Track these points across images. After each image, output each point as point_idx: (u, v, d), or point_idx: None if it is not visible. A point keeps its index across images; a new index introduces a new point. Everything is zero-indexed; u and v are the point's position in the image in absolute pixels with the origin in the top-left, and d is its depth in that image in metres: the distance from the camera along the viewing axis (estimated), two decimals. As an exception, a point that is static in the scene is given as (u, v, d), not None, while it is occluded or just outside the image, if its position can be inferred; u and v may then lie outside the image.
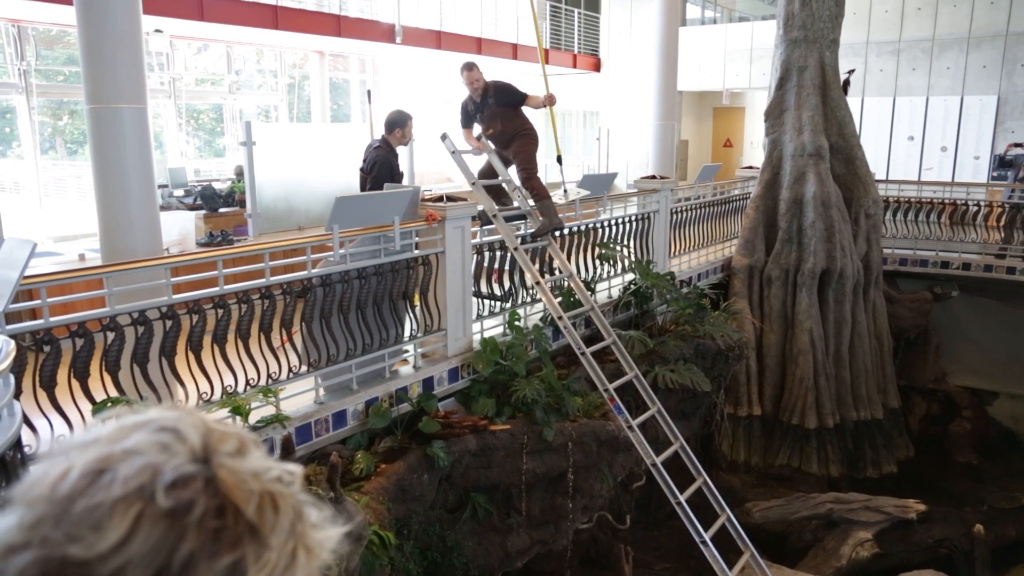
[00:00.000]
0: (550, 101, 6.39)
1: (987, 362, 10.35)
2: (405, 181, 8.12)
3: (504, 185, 6.37)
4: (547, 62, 16.51)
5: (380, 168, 5.89)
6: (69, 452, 0.58)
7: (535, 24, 6.95)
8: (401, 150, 6.29)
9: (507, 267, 6.10)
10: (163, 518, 0.54)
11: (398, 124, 5.98)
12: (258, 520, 0.58)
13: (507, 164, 6.42)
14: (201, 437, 0.60)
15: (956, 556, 7.38)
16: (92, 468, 0.56)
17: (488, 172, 6.36)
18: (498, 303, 6.02)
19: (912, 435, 9.84)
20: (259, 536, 0.58)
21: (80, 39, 4.55)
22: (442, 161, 11.52)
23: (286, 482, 0.63)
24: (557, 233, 6.44)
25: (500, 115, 6.19)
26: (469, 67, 6.26)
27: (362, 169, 6.08)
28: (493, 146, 6.29)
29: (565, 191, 6.93)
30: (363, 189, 5.99)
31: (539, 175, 6.48)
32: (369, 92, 8.26)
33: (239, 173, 9.78)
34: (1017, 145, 11.88)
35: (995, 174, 12.77)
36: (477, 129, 6.40)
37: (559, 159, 6.91)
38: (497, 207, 5.90)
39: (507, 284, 6.15)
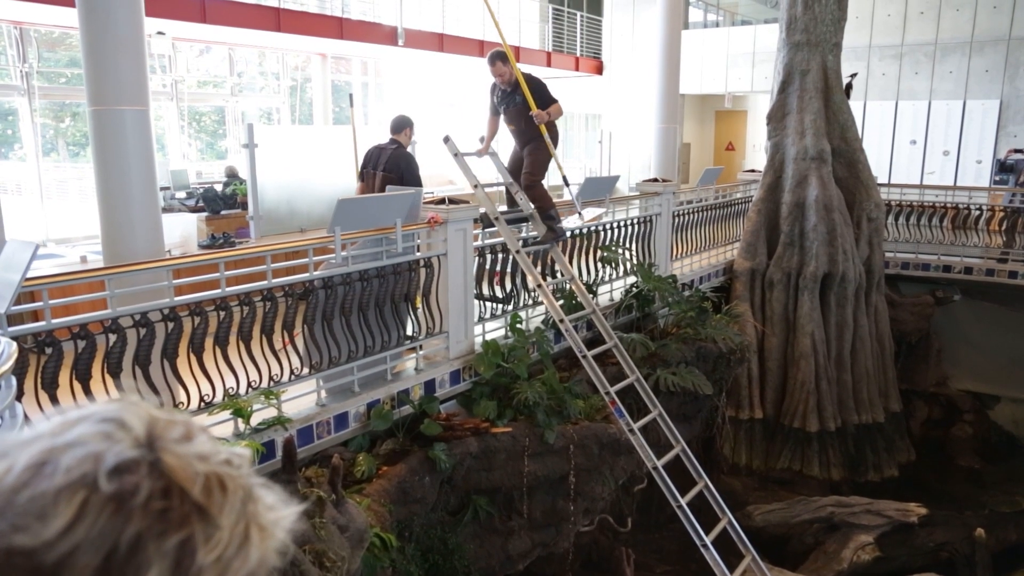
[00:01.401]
0: (539, 119, 6.04)
1: (989, 366, 10.33)
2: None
3: (508, 188, 6.36)
4: (549, 65, 16.58)
5: (416, 165, 6.03)
6: (11, 451, 0.58)
7: (494, 20, 6.60)
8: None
9: (509, 269, 6.10)
10: (108, 503, 0.55)
11: (408, 125, 6.15)
12: (205, 500, 0.59)
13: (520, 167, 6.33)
14: (145, 425, 0.60)
15: (957, 560, 7.36)
16: (34, 461, 0.57)
17: (515, 168, 6.26)
18: (500, 305, 6.02)
19: (913, 439, 9.82)
20: (207, 516, 0.59)
21: (82, 41, 4.56)
22: (444, 163, 11.53)
23: (235, 464, 0.63)
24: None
25: (524, 115, 6.05)
26: (492, 60, 6.09)
27: (385, 170, 6.09)
28: (494, 150, 6.26)
29: (580, 214, 6.75)
30: (380, 189, 6.02)
31: (544, 183, 6.35)
32: (351, 96, 8.31)
33: (231, 174, 9.79)
34: (1017, 151, 11.87)
35: (997, 178, 12.77)
36: (502, 133, 6.30)
37: (565, 180, 6.61)
38: (500, 210, 5.90)
39: (508, 286, 6.14)
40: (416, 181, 5.89)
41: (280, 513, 0.66)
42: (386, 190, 5.88)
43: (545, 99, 6.06)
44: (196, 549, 0.57)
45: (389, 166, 6.03)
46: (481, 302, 5.89)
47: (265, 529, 0.63)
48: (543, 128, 6.01)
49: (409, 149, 6.22)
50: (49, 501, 0.55)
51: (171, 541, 0.57)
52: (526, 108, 5.97)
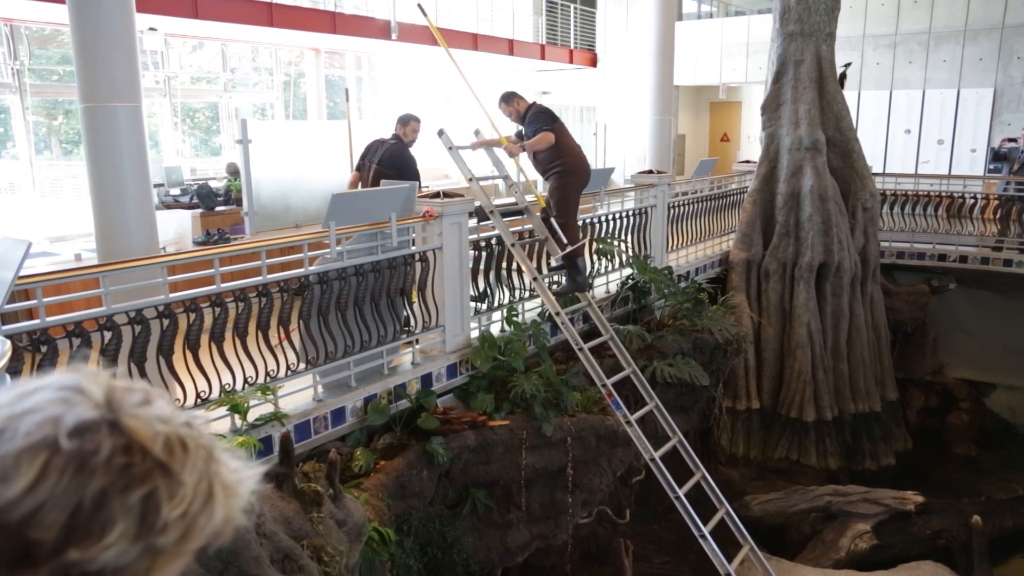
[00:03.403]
0: (508, 152, 5.84)
1: (984, 354, 10.37)
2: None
3: (503, 181, 6.35)
4: (543, 57, 16.53)
5: (412, 161, 6.03)
6: None
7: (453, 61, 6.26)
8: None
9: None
10: (70, 462, 0.57)
11: (401, 122, 6.18)
12: (167, 457, 0.61)
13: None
14: (103, 390, 0.62)
15: (954, 547, 7.40)
16: None
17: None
18: (496, 298, 6.00)
19: (910, 427, 9.86)
20: (170, 472, 0.60)
21: (73, 37, 4.53)
22: (439, 157, 11.48)
23: (194, 427, 0.65)
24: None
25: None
26: (500, 101, 6.00)
27: (379, 163, 6.08)
28: (485, 137, 6.21)
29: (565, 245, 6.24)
30: (375, 184, 6.02)
31: (576, 224, 6.01)
32: (347, 91, 8.29)
33: (233, 171, 9.76)
34: (1010, 140, 11.85)
35: (991, 167, 12.78)
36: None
37: (546, 211, 6.04)
38: (495, 204, 5.89)
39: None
40: (411, 176, 5.87)
41: (244, 473, 0.67)
42: (380, 184, 5.87)
43: (534, 129, 5.84)
44: (160, 504, 0.59)
45: (384, 160, 6.01)
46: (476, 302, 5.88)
47: (229, 488, 0.65)
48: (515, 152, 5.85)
49: (416, 146, 6.23)
50: (11, 463, 0.57)
51: (134, 496, 0.58)
52: (532, 132, 5.83)
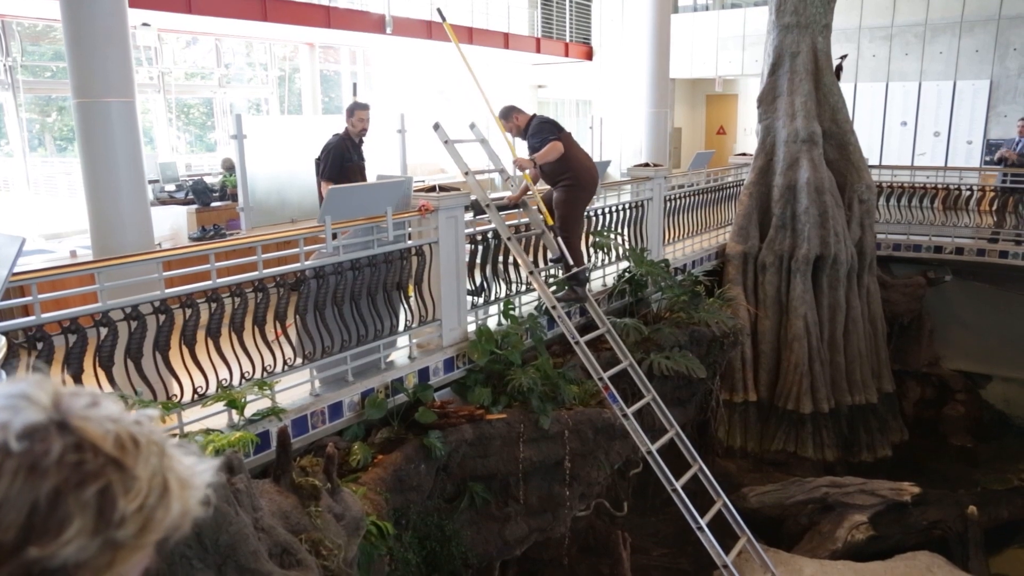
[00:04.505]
0: (518, 165, 5.72)
1: (980, 346, 10.40)
2: (397, 172, 8.12)
3: (499, 175, 6.34)
4: (539, 51, 16.48)
5: (329, 155, 5.85)
6: None
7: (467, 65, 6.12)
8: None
9: (501, 257, 6.07)
10: (22, 463, 0.58)
11: (347, 112, 6.01)
12: (119, 453, 0.62)
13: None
14: (50, 396, 0.63)
15: (950, 537, 7.43)
16: None
17: (549, 206, 5.95)
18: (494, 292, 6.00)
19: (906, 419, 9.89)
20: (123, 467, 0.62)
21: (65, 32, 4.51)
22: (435, 151, 11.45)
23: (144, 424, 0.66)
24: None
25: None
26: (499, 118, 5.91)
27: (316, 158, 6.05)
28: (484, 136, 6.20)
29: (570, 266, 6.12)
30: (318, 180, 5.97)
31: (579, 240, 5.93)
32: (355, 85, 8.25)
33: (228, 167, 9.73)
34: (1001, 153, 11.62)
35: (988, 158, 12.79)
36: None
37: (553, 230, 5.95)
38: (491, 197, 5.88)
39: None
40: (332, 174, 5.74)
41: (198, 467, 0.69)
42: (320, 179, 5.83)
43: (540, 140, 5.71)
44: (116, 498, 0.60)
45: (319, 155, 5.99)
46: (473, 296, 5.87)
47: (184, 481, 0.66)
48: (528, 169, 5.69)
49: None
50: None
51: (89, 491, 0.59)
52: (537, 145, 5.72)
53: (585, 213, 6.24)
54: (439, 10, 6.27)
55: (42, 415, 0.61)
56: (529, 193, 6.07)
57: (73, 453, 0.60)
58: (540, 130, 5.77)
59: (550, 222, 5.91)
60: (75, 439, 0.61)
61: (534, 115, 5.97)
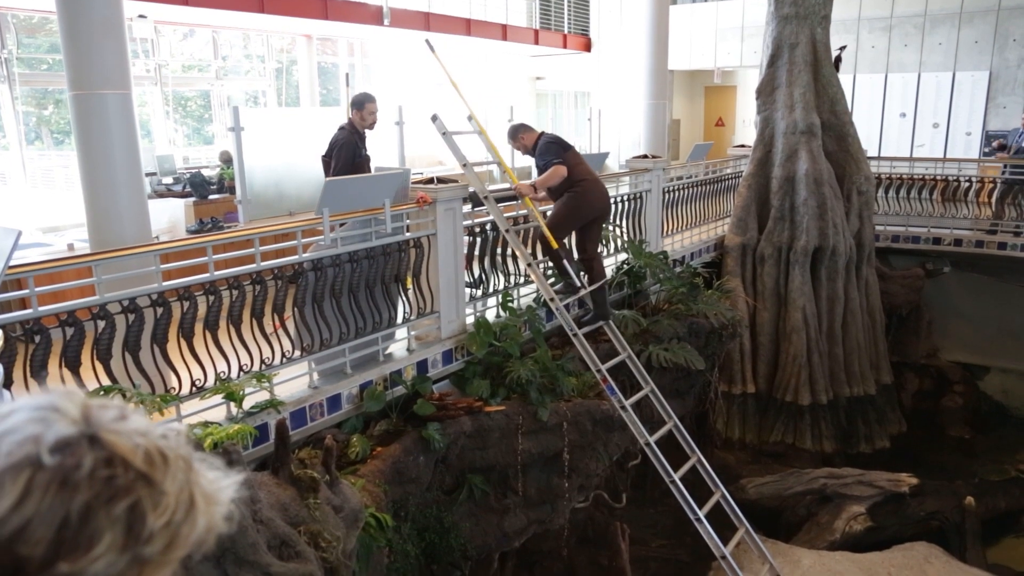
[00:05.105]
0: (519, 192, 5.57)
1: (978, 337, 10.42)
2: (396, 164, 8.08)
3: (497, 167, 6.32)
4: (537, 42, 16.42)
5: (341, 150, 5.78)
6: None
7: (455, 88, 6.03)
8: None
9: (499, 249, 6.06)
10: (54, 478, 0.58)
11: (355, 105, 5.94)
12: (148, 468, 0.62)
13: None
14: (79, 408, 0.63)
15: (947, 528, 7.47)
16: None
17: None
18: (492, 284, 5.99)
19: (904, 410, 9.92)
20: (152, 483, 0.61)
21: (61, 24, 4.48)
22: (433, 144, 11.44)
23: (171, 439, 0.66)
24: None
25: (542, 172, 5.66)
26: (508, 138, 5.85)
27: (324, 155, 6.02)
28: (479, 128, 6.16)
29: (582, 286, 6.02)
30: (327, 174, 5.94)
31: (563, 243, 5.73)
32: (348, 75, 8.20)
33: (226, 159, 9.71)
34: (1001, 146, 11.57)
35: (987, 150, 12.77)
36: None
37: (552, 251, 5.74)
38: (489, 189, 5.86)
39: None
40: (344, 169, 5.67)
41: (223, 482, 0.68)
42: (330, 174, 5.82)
43: (545, 163, 5.58)
44: (145, 514, 0.60)
45: (327, 149, 5.96)
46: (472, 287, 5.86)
47: (209, 496, 0.66)
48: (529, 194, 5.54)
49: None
50: None
51: (119, 507, 0.59)
52: (543, 166, 5.59)
53: (596, 237, 5.99)
54: (427, 41, 6.20)
55: (73, 428, 0.61)
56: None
57: (104, 468, 0.59)
58: (546, 150, 5.64)
59: (555, 245, 5.68)
60: (106, 453, 0.60)
61: (542, 133, 5.85)
